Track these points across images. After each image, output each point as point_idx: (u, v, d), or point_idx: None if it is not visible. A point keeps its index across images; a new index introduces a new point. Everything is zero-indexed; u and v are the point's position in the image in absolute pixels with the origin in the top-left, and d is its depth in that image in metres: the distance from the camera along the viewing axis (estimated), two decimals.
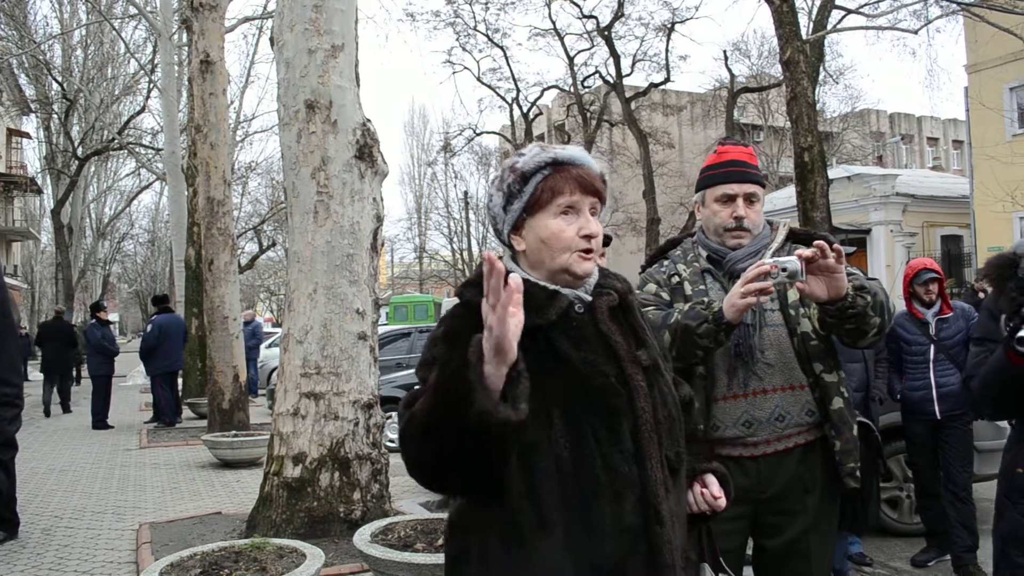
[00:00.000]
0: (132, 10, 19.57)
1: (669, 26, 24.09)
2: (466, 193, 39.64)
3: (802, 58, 10.85)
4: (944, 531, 4.59)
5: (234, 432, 8.95)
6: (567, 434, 1.44)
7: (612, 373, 1.50)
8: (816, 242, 1.99)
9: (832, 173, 16.71)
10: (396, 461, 4.83)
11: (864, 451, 2.31)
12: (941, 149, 44.20)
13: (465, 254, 39.88)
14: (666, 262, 2.44)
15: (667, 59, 24.47)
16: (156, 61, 19.35)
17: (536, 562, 1.41)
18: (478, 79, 27.44)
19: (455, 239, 42.66)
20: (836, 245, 1.99)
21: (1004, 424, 2.66)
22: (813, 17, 15.59)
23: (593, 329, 1.54)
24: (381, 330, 5.58)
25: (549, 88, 28.52)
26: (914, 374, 4.59)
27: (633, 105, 25.00)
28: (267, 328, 23.29)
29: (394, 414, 7.02)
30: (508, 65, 27.87)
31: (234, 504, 6.35)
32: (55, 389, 13.84)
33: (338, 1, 5.05)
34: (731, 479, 1.71)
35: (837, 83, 27.39)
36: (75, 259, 30.68)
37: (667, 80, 25.00)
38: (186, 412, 12.34)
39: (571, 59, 26.00)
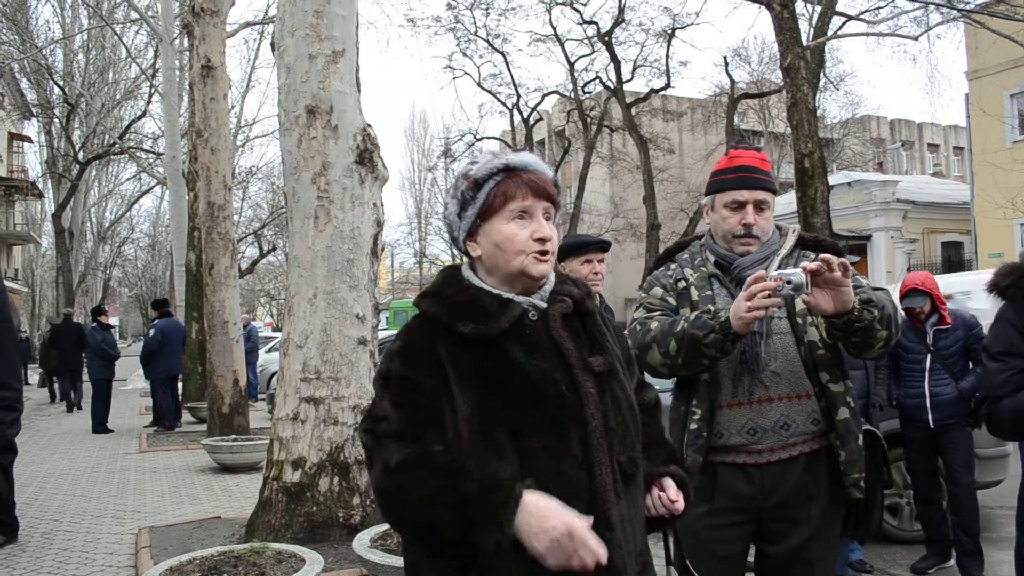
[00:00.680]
0: (133, 15, 19.61)
1: (670, 32, 24.11)
2: None
3: (802, 64, 10.86)
4: (944, 538, 4.58)
5: (234, 436, 8.94)
6: (515, 444, 1.47)
7: (563, 380, 1.52)
8: (821, 256, 1.98)
9: (832, 179, 16.73)
10: None
11: (868, 459, 2.29)
12: (942, 155, 44.22)
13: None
14: (673, 265, 2.42)
15: (668, 65, 24.52)
16: (157, 66, 19.38)
17: (485, 569, 1.44)
18: (479, 84, 27.44)
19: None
20: (842, 259, 1.97)
21: None
22: (813, 23, 15.59)
23: (546, 336, 1.56)
24: (381, 335, 5.57)
25: (550, 93, 28.51)
26: (910, 382, 4.60)
27: (634, 111, 25.01)
28: (267, 332, 23.32)
29: None
30: (509, 70, 27.88)
31: (233, 509, 6.34)
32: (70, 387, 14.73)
33: (339, 6, 5.06)
34: (689, 482, 1.72)
35: (838, 89, 27.41)
36: (76, 263, 30.69)
37: (668, 86, 25.02)
38: (186, 416, 12.34)
39: (572, 65, 26.01)
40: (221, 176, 9.99)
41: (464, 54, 26.59)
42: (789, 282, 1.95)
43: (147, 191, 32.93)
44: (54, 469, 8.59)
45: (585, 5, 27.71)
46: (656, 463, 1.68)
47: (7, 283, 4.88)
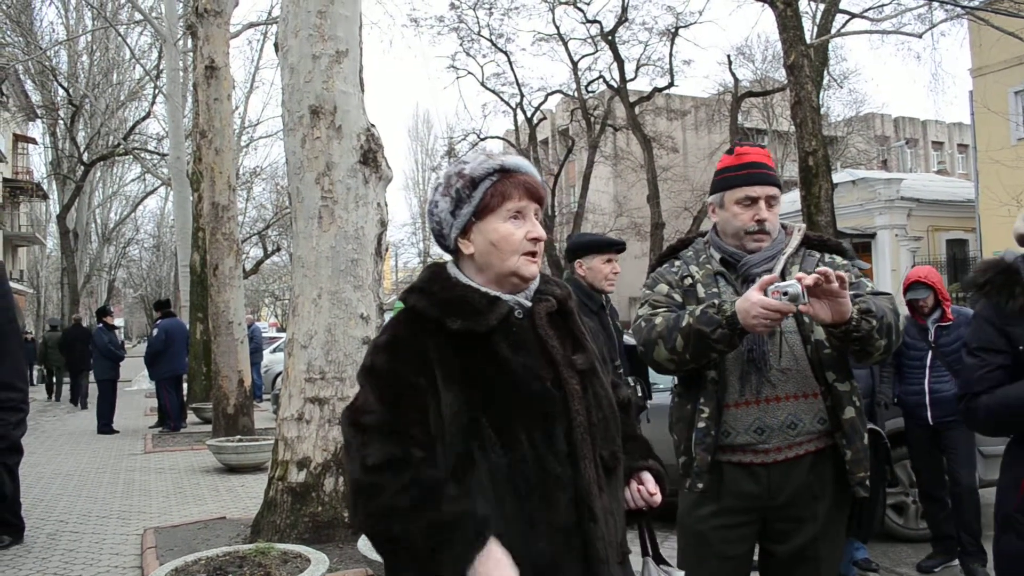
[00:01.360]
0: (137, 16, 19.63)
1: (673, 31, 24.05)
2: None
3: (806, 62, 10.83)
4: (949, 535, 4.57)
5: (239, 437, 8.96)
6: (501, 440, 1.49)
7: (548, 377, 1.56)
8: (819, 269, 1.98)
9: (837, 177, 16.68)
10: None
11: (871, 457, 2.29)
12: (946, 153, 44.12)
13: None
14: (677, 262, 2.42)
15: (671, 63, 24.43)
16: (161, 67, 19.41)
17: None
18: (482, 84, 27.38)
19: None
20: (839, 273, 1.97)
21: None
22: (817, 21, 15.55)
23: (532, 334, 1.60)
24: None
25: (553, 93, 28.46)
26: (910, 378, 4.60)
27: (637, 110, 24.95)
28: (272, 333, 23.32)
29: None
30: (512, 70, 27.77)
31: (239, 509, 6.35)
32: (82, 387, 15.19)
33: (342, 7, 5.06)
34: (666, 476, 1.76)
35: (841, 87, 27.29)
36: (81, 264, 30.77)
37: (671, 84, 24.95)
38: (191, 417, 12.37)
39: (575, 64, 25.96)
40: (225, 177, 10.00)
41: (467, 54, 26.63)
42: (786, 294, 1.97)
43: (151, 192, 33.01)
44: (59, 470, 8.61)
45: (588, 4, 27.72)
46: (634, 457, 1.74)
47: (12, 285, 4.90)
